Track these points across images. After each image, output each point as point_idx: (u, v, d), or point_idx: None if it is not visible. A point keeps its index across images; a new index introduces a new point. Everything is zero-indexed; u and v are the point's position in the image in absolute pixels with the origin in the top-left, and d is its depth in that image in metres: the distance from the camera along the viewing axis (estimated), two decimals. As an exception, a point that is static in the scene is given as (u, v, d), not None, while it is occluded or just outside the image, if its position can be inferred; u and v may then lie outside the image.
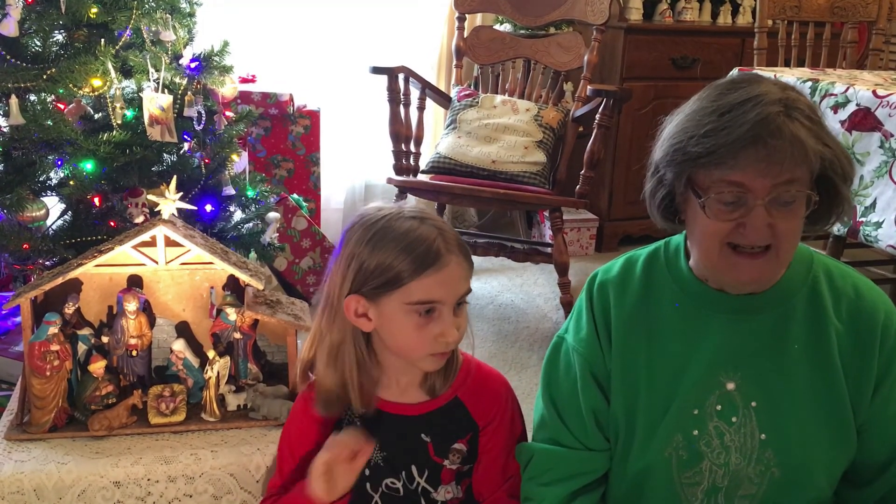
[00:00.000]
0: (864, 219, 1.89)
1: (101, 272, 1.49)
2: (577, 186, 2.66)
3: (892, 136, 1.84)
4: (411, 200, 3.34)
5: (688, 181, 1.07)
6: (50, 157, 1.83)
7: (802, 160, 0.99)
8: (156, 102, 1.82)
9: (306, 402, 1.28)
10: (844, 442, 1.13)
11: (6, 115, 1.78)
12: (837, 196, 1.06)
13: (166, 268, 1.50)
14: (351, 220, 1.21)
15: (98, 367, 1.44)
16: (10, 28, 1.71)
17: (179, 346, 1.50)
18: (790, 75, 2.17)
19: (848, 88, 1.96)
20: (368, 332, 1.20)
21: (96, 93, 1.84)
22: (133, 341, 1.48)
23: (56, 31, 1.86)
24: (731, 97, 1.03)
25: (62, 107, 1.86)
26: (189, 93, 1.92)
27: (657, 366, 1.17)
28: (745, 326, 1.13)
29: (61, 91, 1.81)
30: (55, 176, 1.89)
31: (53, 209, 1.93)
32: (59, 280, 1.42)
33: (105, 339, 1.49)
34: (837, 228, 1.92)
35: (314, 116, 3.17)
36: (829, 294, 1.13)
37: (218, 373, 1.47)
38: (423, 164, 2.86)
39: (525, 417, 1.32)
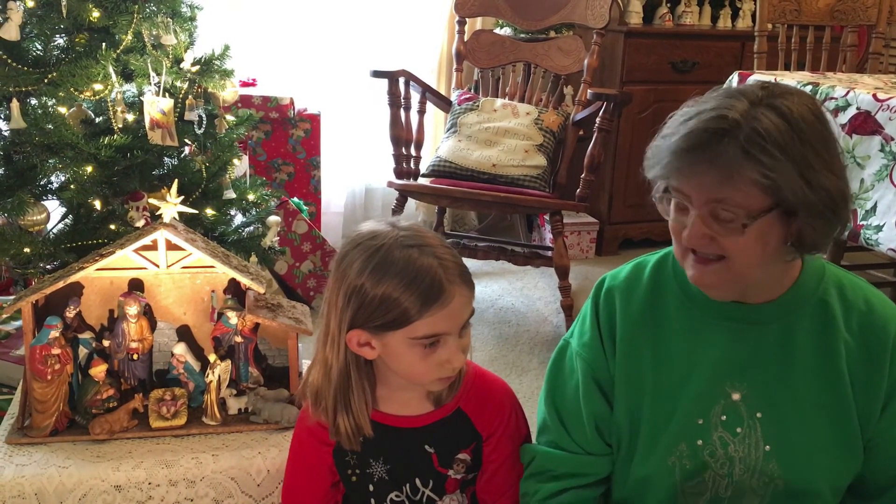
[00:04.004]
0: (864, 222, 1.88)
1: (102, 276, 1.49)
2: (578, 190, 2.66)
3: (892, 139, 1.84)
4: (410, 206, 3.34)
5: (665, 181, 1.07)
6: (51, 161, 1.84)
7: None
8: (157, 106, 1.82)
9: (310, 430, 1.26)
10: (850, 455, 1.12)
11: (7, 118, 1.79)
12: (810, 229, 1.00)
13: (167, 271, 1.50)
14: (345, 244, 1.16)
15: (99, 370, 1.44)
16: (12, 32, 1.72)
17: (180, 349, 1.49)
18: (790, 79, 2.17)
19: (848, 92, 1.96)
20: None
21: (97, 97, 1.84)
22: (134, 345, 1.48)
23: (57, 35, 1.86)
24: (702, 104, 1.02)
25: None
26: (190, 96, 1.92)
27: (662, 373, 1.16)
28: (751, 337, 1.12)
29: (62, 95, 1.81)
30: (56, 180, 1.90)
31: (54, 213, 1.94)
32: (60, 284, 1.42)
33: (106, 343, 1.49)
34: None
35: (315, 120, 3.18)
36: (840, 306, 1.11)
37: (219, 376, 1.47)
38: (424, 167, 2.87)
39: (527, 421, 1.32)
